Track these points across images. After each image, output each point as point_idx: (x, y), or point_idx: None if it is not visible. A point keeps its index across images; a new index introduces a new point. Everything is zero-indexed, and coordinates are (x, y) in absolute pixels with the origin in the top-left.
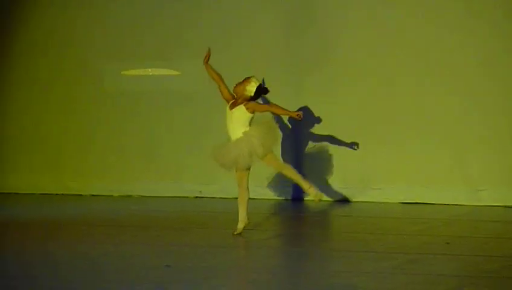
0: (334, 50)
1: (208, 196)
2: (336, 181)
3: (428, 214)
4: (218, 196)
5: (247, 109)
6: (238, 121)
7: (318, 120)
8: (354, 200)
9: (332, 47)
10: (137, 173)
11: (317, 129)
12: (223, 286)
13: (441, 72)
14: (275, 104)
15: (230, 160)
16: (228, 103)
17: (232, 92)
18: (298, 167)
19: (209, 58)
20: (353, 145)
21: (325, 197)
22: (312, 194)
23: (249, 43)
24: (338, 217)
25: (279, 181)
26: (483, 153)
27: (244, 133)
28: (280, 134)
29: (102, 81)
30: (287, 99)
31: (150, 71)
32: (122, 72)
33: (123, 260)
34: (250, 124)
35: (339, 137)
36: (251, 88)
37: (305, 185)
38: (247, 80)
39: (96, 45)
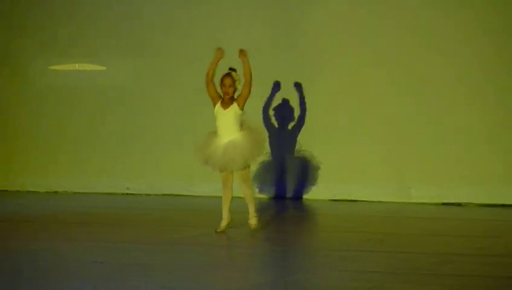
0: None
1: (135, 192)
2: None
3: (361, 211)
4: (145, 193)
5: (238, 104)
6: (234, 121)
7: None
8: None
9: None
10: (63, 168)
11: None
12: (156, 282)
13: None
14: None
15: (223, 161)
16: (215, 102)
17: (220, 92)
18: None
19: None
20: None
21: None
22: (252, 223)
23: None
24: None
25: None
26: (413, 150)
27: (241, 135)
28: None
29: (32, 76)
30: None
31: (79, 67)
32: (50, 67)
33: (54, 257)
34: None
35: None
36: (239, 84)
37: (252, 211)
38: (233, 79)
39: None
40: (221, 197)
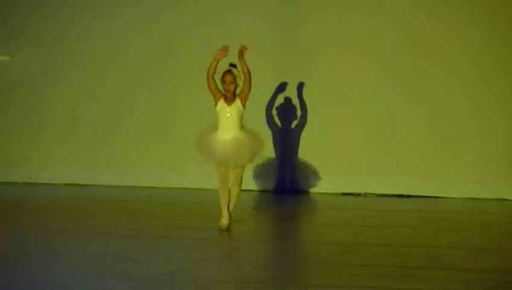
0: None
1: (38, 181)
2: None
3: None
4: (48, 182)
5: (241, 101)
6: (237, 118)
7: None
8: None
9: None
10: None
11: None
12: (50, 272)
13: None
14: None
15: (229, 156)
16: (217, 98)
17: (222, 90)
18: None
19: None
20: None
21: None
22: (221, 222)
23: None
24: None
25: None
26: (320, 140)
27: (244, 132)
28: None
29: None
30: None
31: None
32: None
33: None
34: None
35: None
36: (240, 81)
37: (230, 210)
38: (233, 76)
39: None
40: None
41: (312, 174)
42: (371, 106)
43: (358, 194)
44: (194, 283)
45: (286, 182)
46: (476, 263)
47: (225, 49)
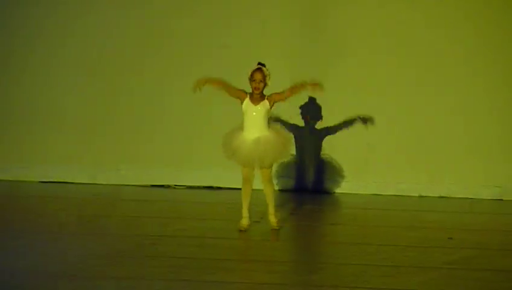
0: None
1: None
2: None
3: (65, 193)
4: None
5: (269, 102)
6: (264, 118)
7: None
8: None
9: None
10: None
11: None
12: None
13: None
14: (289, 87)
15: (252, 156)
16: (242, 98)
17: (243, 89)
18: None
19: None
20: None
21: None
22: (272, 221)
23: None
24: None
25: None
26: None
27: (270, 133)
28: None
29: None
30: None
31: None
32: None
33: None
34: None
35: None
36: (269, 80)
37: (271, 209)
38: (263, 74)
39: None
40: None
41: (121, 167)
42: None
43: (168, 186)
44: None
45: None
46: (281, 255)
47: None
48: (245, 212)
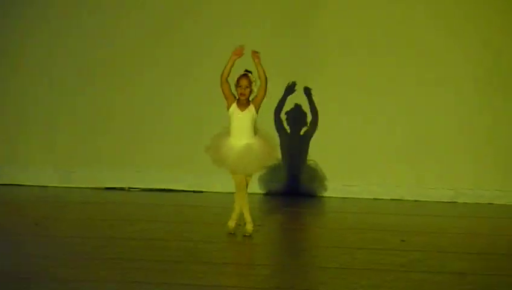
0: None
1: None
2: None
3: (16, 195)
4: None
5: (255, 106)
6: (250, 124)
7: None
8: None
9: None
10: None
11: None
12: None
13: None
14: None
15: (238, 164)
16: (230, 102)
17: (235, 93)
18: None
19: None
20: None
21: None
22: (247, 228)
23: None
24: None
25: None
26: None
27: (256, 139)
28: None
29: None
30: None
31: None
32: None
33: None
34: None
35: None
36: (255, 87)
37: (247, 216)
38: (249, 80)
39: None
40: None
41: (73, 169)
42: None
43: (122, 189)
44: None
45: None
46: (233, 257)
47: (241, 49)
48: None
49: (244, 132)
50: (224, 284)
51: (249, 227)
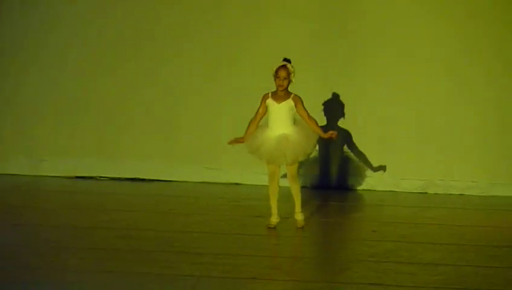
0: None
1: None
2: None
3: None
4: None
5: (294, 103)
6: (287, 115)
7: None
8: None
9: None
10: None
11: None
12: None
13: None
14: (313, 120)
15: (273, 154)
16: (264, 101)
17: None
18: None
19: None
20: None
21: None
22: (298, 219)
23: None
24: None
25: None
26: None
27: (293, 130)
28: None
29: None
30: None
31: None
32: None
33: None
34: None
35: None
36: (293, 77)
37: (297, 207)
38: (288, 71)
39: None
40: None
41: (44, 157)
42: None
43: (92, 178)
44: None
45: None
46: (208, 247)
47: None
48: (273, 210)
49: (281, 124)
50: (199, 275)
51: (300, 218)
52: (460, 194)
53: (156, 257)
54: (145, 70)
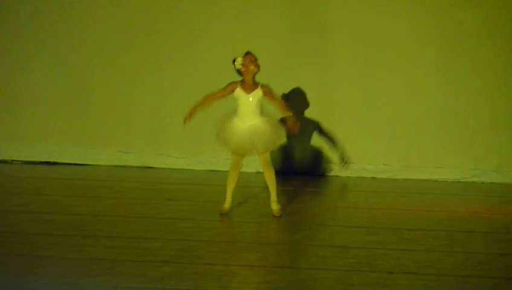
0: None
1: None
2: None
3: None
4: None
5: (263, 92)
6: (256, 106)
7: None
8: None
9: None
10: None
11: None
12: None
13: None
14: (286, 103)
15: (242, 145)
16: (230, 90)
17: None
18: None
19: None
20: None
21: None
22: (273, 208)
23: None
24: None
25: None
26: None
27: (262, 120)
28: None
29: None
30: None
31: None
32: None
33: None
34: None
35: None
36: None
37: (273, 196)
38: (252, 59)
39: None
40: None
41: None
42: None
43: (4, 161)
44: None
45: None
46: (121, 231)
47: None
48: (228, 196)
49: (250, 114)
50: (111, 258)
51: (275, 207)
52: (372, 177)
53: (69, 241)
54: (54, 50)
